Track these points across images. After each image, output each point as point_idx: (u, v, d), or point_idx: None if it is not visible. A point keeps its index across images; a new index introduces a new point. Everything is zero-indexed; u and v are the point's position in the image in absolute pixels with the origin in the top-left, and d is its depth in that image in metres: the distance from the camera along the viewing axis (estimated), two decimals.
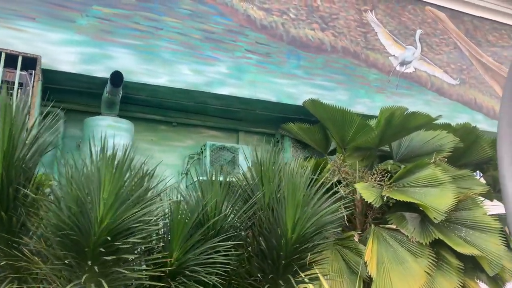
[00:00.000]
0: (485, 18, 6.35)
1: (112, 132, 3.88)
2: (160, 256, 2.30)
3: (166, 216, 2.63)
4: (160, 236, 2.42)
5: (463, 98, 5.69)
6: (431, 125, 4.49)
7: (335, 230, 3.70)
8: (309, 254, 2.87)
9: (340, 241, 3.60)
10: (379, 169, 3.70)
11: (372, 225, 3.48)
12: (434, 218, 3.14)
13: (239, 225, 2.82)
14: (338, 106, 3.95)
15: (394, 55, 5.38)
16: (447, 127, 4.29)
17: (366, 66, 5.17)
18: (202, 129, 4.87)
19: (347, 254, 3.41)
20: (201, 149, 4.58)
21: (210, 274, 2.48)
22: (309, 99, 4.13)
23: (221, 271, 2.56)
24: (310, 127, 4.45)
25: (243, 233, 2.89)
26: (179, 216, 2.49)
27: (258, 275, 2.55)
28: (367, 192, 3.36)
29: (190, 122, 4.77)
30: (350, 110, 3.92)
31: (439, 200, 3.30)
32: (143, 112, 4.50)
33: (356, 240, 3.40)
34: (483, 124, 5.69)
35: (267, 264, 2.63)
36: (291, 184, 2.67)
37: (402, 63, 5.39)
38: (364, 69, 5.15)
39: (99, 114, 4.06)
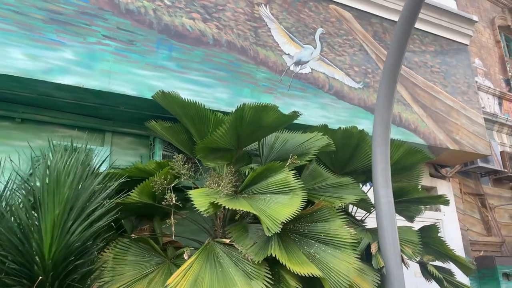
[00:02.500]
0: (396, 22, 6.04)
1: None
2: None
3: None
4: None
5: (365, 103, 5.28)
6: (312, 127, 4.03)
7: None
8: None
9: (175, 259, 3.00)
10: (227, 173, 3.14)
11: (208, 239, 2.90)
12: (268, 229, 2.58)
13: None
14: (190, 100, 3.40)
15: (288, 54, 4.92)
16: (322, 129, 3.82)
17: (255, 63, 4.67)
18: (58, 127, 4.18)
19: None
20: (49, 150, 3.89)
21: None
22: (160, 91, 3.55)
23: None
24: (173, 126, 3.86)
25: None
26: None
27: None
28: (201, 199, 2.78)
29: (41, 119, 4.08)
30: (203, 105, 3.37)
31: (282, 209, 2.76)
32: None
33: (186, 257, 2.79)
34: None
35: None
36: (53, 187, 2.05)
37: (298, 63, 4.94)
38: (252, 67, 4.64)
39: None
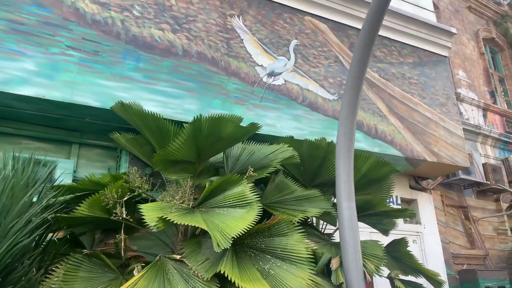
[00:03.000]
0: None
1: None
2: None
3: None
4: None
5: None
6: (279, 139, 3.97)
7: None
8: None
9: (127, 275, 2.90)
10: (183, 187, 3.06)
11: (160, 255, 2.80)
12: (218, 245, 2.49)
13: None
14: (149, 111, 3.33)
15: (261, 65, 4.88)
16: (288, 140, 3.76)
17: (226, 74, 4.62)
18: (22, 139, 4.09)
19: None
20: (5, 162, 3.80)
21: None
22: (119, 102, 3.48)
23: None
24: (136, 138, 3.78)
25: None
26: None
27: None
28: (151, 214, 2.69)
29: (4, 131, 3.99)
30: (161, 116, 3.30)
31: (235, 223, 2.68)
32: None
33: (135, 274, 2.69)
34: (363, 143, 5.25)
35: None
36: None
37: (271, 74, 4.90)
38: (223, 78, 4.59)
39: None
